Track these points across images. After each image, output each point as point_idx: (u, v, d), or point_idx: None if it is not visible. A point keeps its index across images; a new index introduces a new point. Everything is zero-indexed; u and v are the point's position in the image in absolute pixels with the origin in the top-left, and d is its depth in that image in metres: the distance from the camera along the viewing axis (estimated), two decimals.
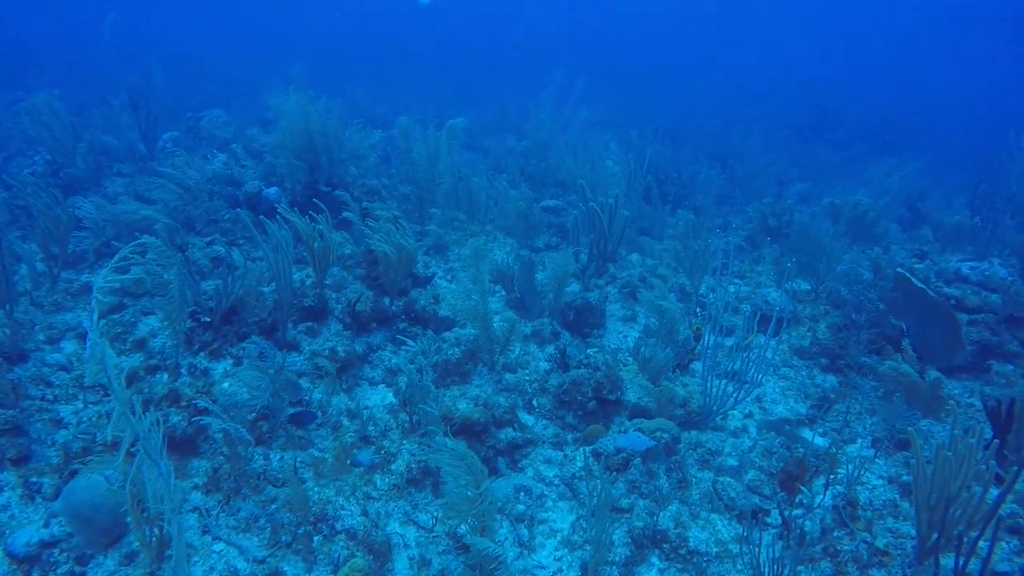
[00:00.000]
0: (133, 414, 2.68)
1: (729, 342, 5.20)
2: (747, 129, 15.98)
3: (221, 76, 16.55)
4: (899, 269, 5.47)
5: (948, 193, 11.83)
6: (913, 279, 5.25)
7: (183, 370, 4.31)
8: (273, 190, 6.46)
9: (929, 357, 5.01)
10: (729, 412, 4.58)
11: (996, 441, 2.90)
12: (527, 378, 4.68)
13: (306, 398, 4.40)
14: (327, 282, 5.32)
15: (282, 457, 3.90)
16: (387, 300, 5.26)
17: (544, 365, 5.06)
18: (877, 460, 4.19)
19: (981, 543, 2.92)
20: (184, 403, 3.96)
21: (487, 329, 4.64)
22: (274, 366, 3.97)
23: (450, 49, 31.14)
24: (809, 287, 6.02)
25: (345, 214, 5.84)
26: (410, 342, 4.29)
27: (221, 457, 3.75)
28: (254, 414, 4.00)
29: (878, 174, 11.87)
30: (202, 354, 4.50)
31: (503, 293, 5.97)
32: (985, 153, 13.88)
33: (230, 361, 4.48)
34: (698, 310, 5.96)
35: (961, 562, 2.78)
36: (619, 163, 8.00)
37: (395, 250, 5.07)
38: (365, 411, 4.36)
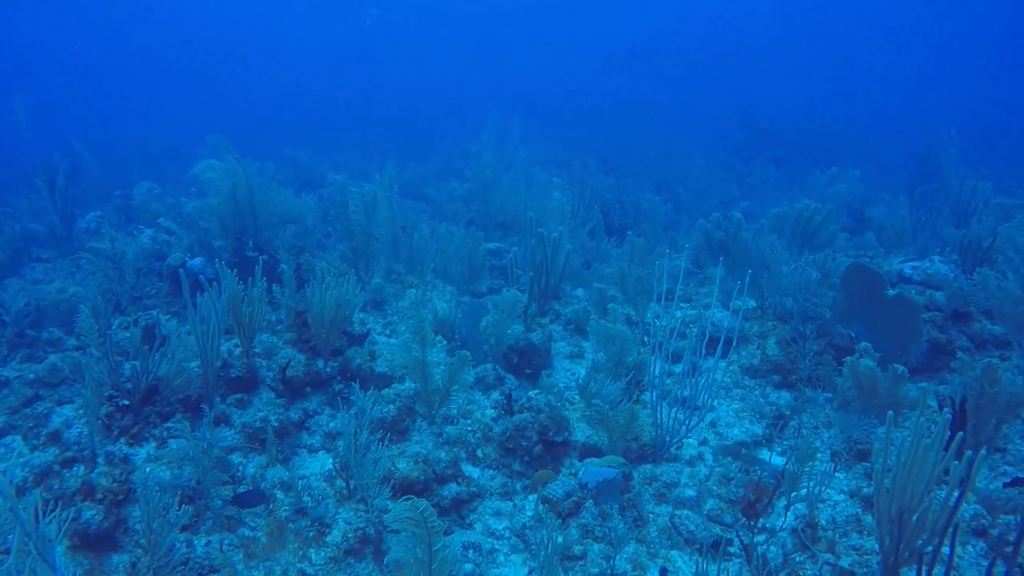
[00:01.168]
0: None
1: (679, 368, 5.06)
2: (689, 155, 16.23)
3: (158, 147, 16.35)
4: (857, 259, 5.41)
5: (890, 197, 12.03)
6: (870, 265, 5.19)
7: (100, 459, 4.01)
8: (197, 261, 6.23)
9: (881, 361, 4.92)
10: (683, 441, 4.41)
11: (960, 434, 2.75)
12: (469, 428, 4.46)
13: (239, 474, 4.13)
14: (256, 350, 5.07)
15: (208, 542, 3.61)
16: (320, 362, 5.02)
17: (491, 412, 4.85)
18: (837, 474, 4.04)
19: (947, 550, 2.76)
20: (100, 495, 3.66)
21: (425, 381, 4.43)
22: (200, 445, 3.71)
23: (389, 100, 31.35)
24: (755, 304, 5.93)
25: (282, 267, 5.64)
26: (354, 400, 4.07)
27: (139, 550, 3.45)
28: (177, 498, 3.71)
29: (820, 183, 12.04)
30: (122, 440, 4.20)
31: (444, 343, 5.78)
32: (922, 153, 14.24)
33: (153, 444, 4.19)
34: (645, 338, 5.83)
35: (924, 572, 2.61)
36: (561, 198, 7.96)
37: (332, 307, 4.86)
38: (301, 481, 4.10)
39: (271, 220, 6.61)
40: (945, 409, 3.78)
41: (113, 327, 5.64)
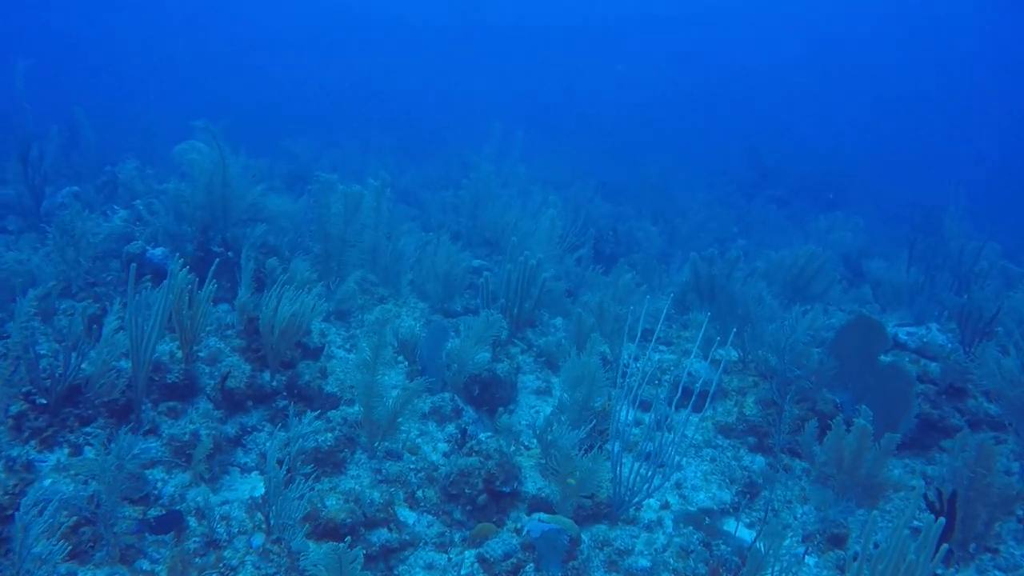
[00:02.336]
0: None
1: (648, 418, 4.72)
2: (690, 185, 15.95)
3: (160, 125, 15.99)
4: (855, 314, 5.09)
5: (890, 249, 11.74)
6: (871, 315, 4.86)
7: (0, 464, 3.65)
8: (159, 251, 5.88)
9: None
10: (644, 502, 4.07)
11: (945, 548, 2.42)
12: (413, 466, 4.11)
13: (155, 492, 3.77)
14: (201, 355, 4.73)
15: None
16: (267, 375, 4.67)
17: (444, 446, 4.51)
18: (808, 558, 3.70)
19: None
20: None
21: (370, 410, 4.08)
22: (115, 456, 3.35)
23: (398, 101, 31.07)
24: (737, 356, 5.59)
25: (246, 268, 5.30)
26: (296, 421, 3.73)
27: None
28: (75, 518, 3.35)
29: (821, 228, 11.75)
30: (32, 443, 3.84)
31: (406, 365, 5.44)
32: (927, 206, 13.98)
33: (66, 451, 3.83)
34: (619, 379, 5.48)
35: None
36: (552, 220, 7.65)
37: (284, 317, 4.52)
38: (222, 507, 3.74)
39: (244, 216, 6.27)
40: (939, 517, 3.44)
41: (58, 313, 5.32)
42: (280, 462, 3.44)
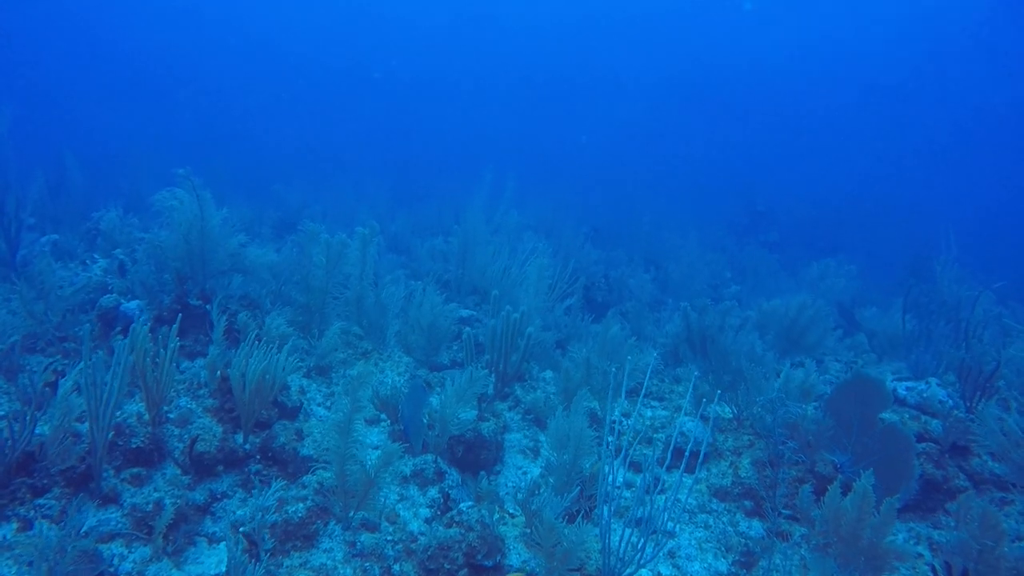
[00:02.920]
0: None
1: (639, 479, 4.50)
2: (683, 229, 15.90)
3: (148, 167, 15.92)
4: (859, 369, 4.91)
5: (884, 296, 11.64)
6: (870, 374, 4.67)
7: None
8: (134, 304, 5.70)
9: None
10: (636, 573, 3.83)
11: None
12: (390, 538, 3.87)
13: (110, 570, 3.52)
14: (172, 416, 4.51)
15: None
16: (239, 437, 4.46)
17: (425, 512, 4.28)
18: None
19: None
20: None
21: (343, 478, 3.85)
22: (65, 532, 3.12)
23: (394, 143, 31.28)
24: (732, 414, 5.39)
25: (218, 328, 5.11)
26: (267, 487, 3.51)
27: None
28: None
29: (813, 275, 11.65)
30: None
31: (388, 424, 5.22)
32: (920, 252, 13.92)
33: (15, 525, 3.59)
34: (610, 439, 5.28)
35: None
36: (539, 269, 7.50)
37: (255, 376, 4.32)
38: None
39: (223, 267, 6.11)
40: None
41: (25, 371, 5.11)
42: (247, 536, 3.22)
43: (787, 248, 16.58)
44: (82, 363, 3.73)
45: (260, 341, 4.65)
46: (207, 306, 5.72)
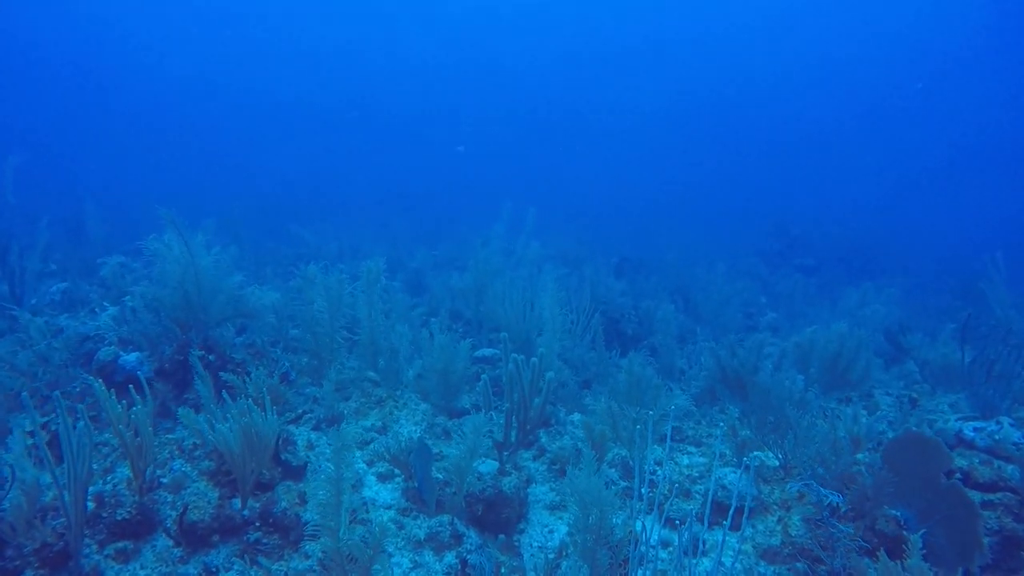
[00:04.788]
0: None
1: (676, 537, 4.04)
2: (713, 258, 15.44)
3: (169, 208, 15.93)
4: (917, 430, 4.40)
5: (930, 321, 11.01)
6: (923, 433, 4.17)
7: None
8: (133, 357, 5.42)
9: (935, 562, 3.84)
10: None
11: None
12: None
13: None
14: (165, 480, 4.17)
15: None
16: (237, 502, 4.10)
17: None
18: None
19: None
20: None
21: (337, 546, 3.45)
22: None
23: (416, 180, 31.30)
24: (777, 462, 4.89)
25: (221, 375, 4.80)
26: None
27: None
28: None
29: (852, 303, 11.08)
30: None
31: (401, 480, 4.83)
32: (965, 273, 13.29)
33: None
34: (644, 491, 4.81)
35: None
36: (565, 304, 7.09)
37: (239, 437, 3.97)
38: None
39: (225, 312, 5.82)
40: None
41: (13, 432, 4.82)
42: None
43: (823, 271, 16.00)
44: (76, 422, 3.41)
45: (250, 396, 4.33)
46: (211, 356, 5.42)
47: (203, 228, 11.52)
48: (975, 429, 4.79)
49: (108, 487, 3.96)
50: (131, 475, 4.05)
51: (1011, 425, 4.73)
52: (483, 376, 5.18)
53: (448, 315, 8.95)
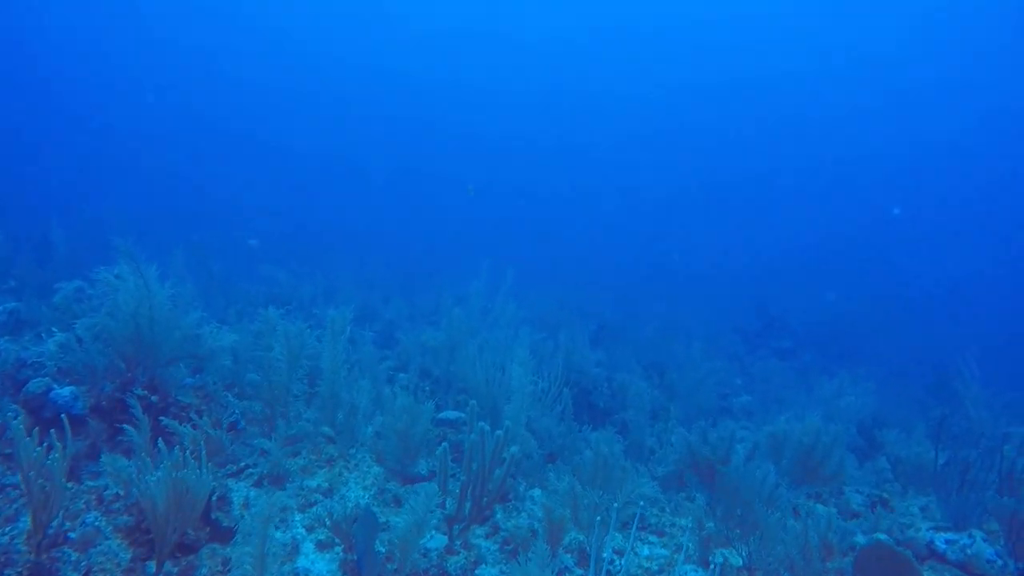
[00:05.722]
0: None
1: None
2: (691, 332, 15.32)
3: (140, 233, 15.59)
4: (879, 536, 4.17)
5: (905, 413, 10.87)
6: (893, 547, 3.93)
7: None
8: (67, 391, 5.07)
9: None
10: None
11: None
12: None
13: None
14: (72, 535, 3.81)
15: None
16: (152, 566, 3.73)
17: None
18: None
19: None
20: None
21: None
22: None
23: (398, 225, 31.20)
24: (741, 561, 4.61)
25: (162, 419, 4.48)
26: None
27: None
28: None
29: (828, 392, 10.92)
30: None
31: (340, 551, 4.48)
32: (937, 364, 13.23)
33: None
34: None
35: None
36: (535, 371, 6.85)
37: (166, 494, 3.64)
38: None
39: (177, 352, 5.50)
40: None
41: None
42: None
43: (800, 355, 15.91)
44: None
45: (187, 448, 4.01)
46: (153, 397, 5.09)
47: (171, 259, 11.27)
48: (947, 541, 4.56)
49: (4, 539, 3.59)
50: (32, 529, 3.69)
51: (984, 540, 4.51)
52: (443, 443, 4.88)
53: (417, 372, 8.65)
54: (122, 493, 4.07)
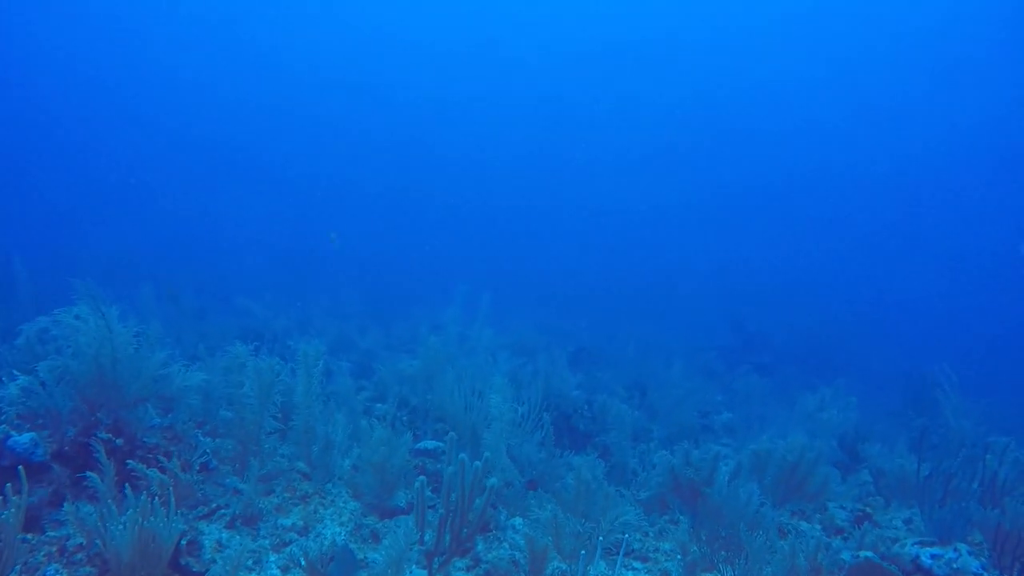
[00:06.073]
0: None
1: None
2: (671, 352, 15.33)
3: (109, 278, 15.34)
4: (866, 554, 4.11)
5: (885, 426, 10.91)
6: (881, 563, 3.86)
7: None
8: (26, 437, 4.88)
9: None
10: None
11: None
12: None
13: None
14: None
15: None
16: None
17: None
18: None
19: None
20: None
21: None
22: None
23: (377, 256, 30.99)
24: None
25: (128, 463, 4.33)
26: None
27: None
28: None
29: (810, 407, 10.92)
30: None
31: None
32: (917, 376, 13.31)
33: None
34: None
35: None
36: (514, 399, 6.75)
37: (133, 543, 3.49)
38: None
39: (143, 393, 5.34)
40: None
41: None
42: None
43: (780, 370, 15.95)
44: None
45: (154, 493, 3.87)
46: (118, 441, 4.92)
47: (141, 293, 11.07)
48: (933, 556, 4.52)
49: None
50: None
51: (970, 553, 4.47)
52: (421, 477, 4.76)
53: (395, 402, 8.51)
54: (85, 543, 3.91)
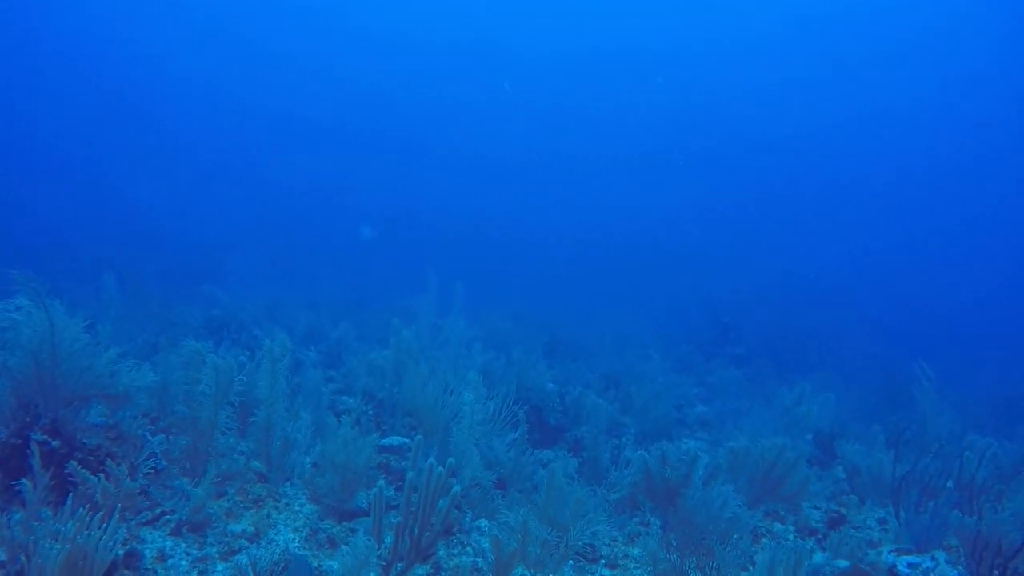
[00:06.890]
0: None
1: None
2: (647, 344, 15.22)
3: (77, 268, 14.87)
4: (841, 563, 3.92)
5: (861, 422, 10.83)
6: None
7: None
8: None
9: None
10: None
11: None
12: None
13: None
14: None
15: None
16: None
17: None
18: None
19: None
20: None
21: None
22: None
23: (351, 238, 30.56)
24: None
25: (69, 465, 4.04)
26: None
27: None
28: None
29: (788, 401, 10.81)
30: None
31: None
32: (895, 373, 13.30)
33: None
34: None
35: None
36: (484, 395, 6.51)
37: (61, 561, 3.21)
38: None
39: (86, 392, 5.03)
40: None
41: None
42: None
43: (755, 361, 15.87)
44: None
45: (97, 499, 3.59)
46: (54, 442, 4.62)
47: (103, 282, 10.68)
48: (909, 565, 4.37)
49: None
50: None
51: (947, 562, 4.32)
52: (379, 481, 4.52)
53: (361, 395, 8.24)
54: (6, 559, 3.62)
